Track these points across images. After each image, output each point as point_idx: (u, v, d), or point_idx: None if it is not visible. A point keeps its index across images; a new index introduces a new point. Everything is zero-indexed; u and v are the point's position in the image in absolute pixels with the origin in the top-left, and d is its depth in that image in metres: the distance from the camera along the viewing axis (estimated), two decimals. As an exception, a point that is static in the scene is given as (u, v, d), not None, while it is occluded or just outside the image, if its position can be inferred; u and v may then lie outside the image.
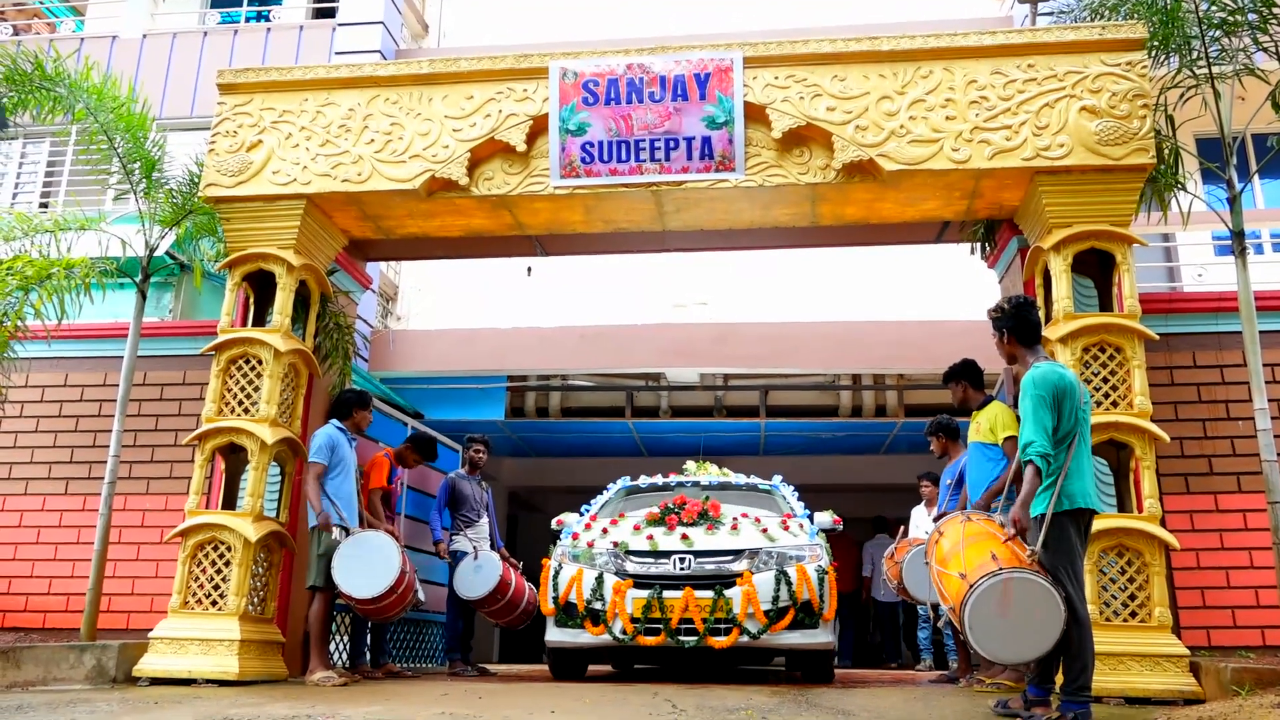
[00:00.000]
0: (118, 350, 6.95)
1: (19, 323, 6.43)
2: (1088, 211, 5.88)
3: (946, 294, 12.07)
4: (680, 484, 7.67)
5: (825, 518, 6.89)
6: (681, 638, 5.84)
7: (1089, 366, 5.69)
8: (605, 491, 7.73)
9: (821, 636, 5.99)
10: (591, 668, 7.45)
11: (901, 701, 5.12)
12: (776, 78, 6.21)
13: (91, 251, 6.90)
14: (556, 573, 6.36)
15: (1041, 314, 5.99)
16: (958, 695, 5.58)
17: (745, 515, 6.58)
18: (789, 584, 5.92)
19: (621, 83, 6.27)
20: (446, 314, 14.16)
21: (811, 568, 6.06)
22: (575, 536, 6.60)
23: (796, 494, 7.34)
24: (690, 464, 8.11)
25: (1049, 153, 5.88)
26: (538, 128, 6.35)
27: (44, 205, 11.03)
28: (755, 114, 6.20)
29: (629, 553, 6.24)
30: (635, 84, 6.26)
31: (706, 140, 6.20)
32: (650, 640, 5.86)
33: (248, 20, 12.34)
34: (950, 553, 4.10)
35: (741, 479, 7.78)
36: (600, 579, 6.12)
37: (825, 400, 12.81)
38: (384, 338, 11.67)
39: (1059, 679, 4.06)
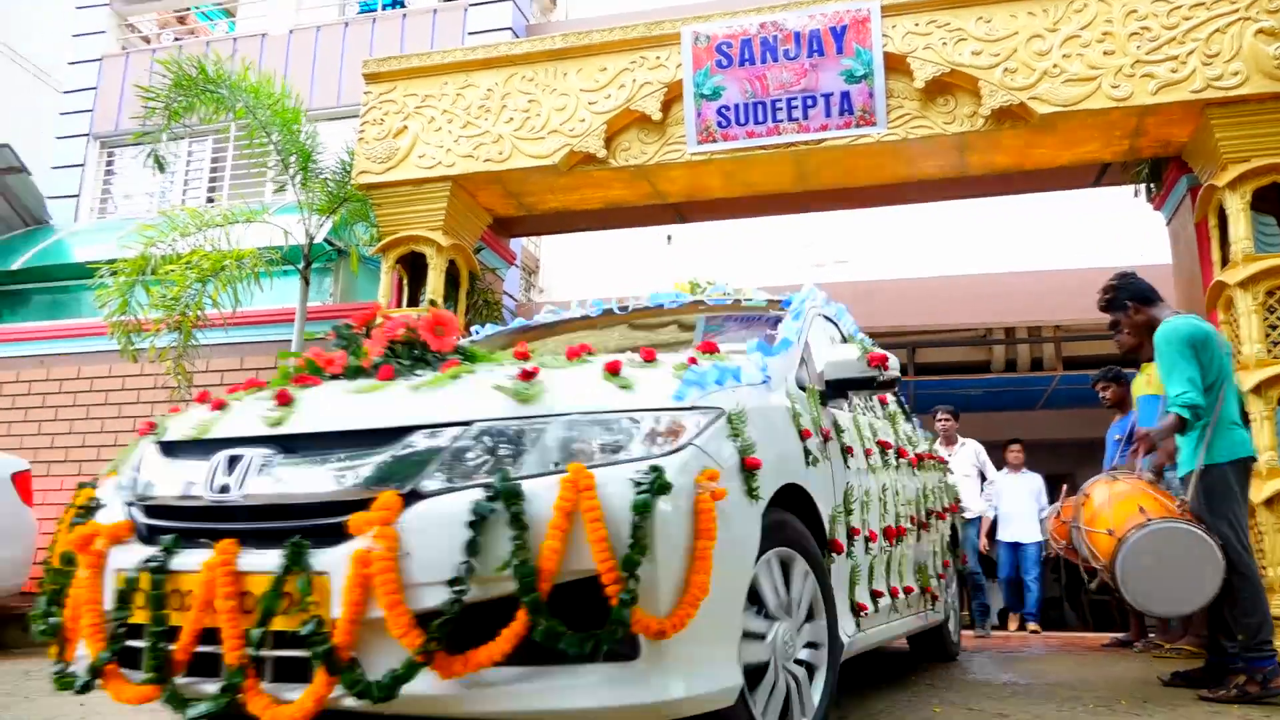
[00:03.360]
0: (286, 334, 7.37)
1: (199, 312, 6.90)
2: (1267, 144, 5.43)
3: (1104, 239, 11.43)
4: (625, 310, 4.27)
5: (851, 351, 3.37)
6: (189, 681, 2.17)
7: (1274, 312, 5.29)
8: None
9: (638, 692, 2.00)
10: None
11: (1069, 668, 4.95)
12: (917, 25, 5.97)
13: (257, 242, 7.32)
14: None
15: (1217, 257, 5.63)
16: (1132, 661, 5.35)
17: (528, 359, 2.51)
18: (523, 530, 1.97)
19: (755, 42, 6.15)
20: (587, 284, 14.36)
21: (620, 481, 2.03)
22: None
23: (847, 316, 4.14)
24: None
25: (1221, 82, 5.45)
26: (672, 95, 6.32)
27: (210, 200, 11.75)
28: (896, 64, 5.98)
29: (162, 446, 2.56)
30: (769, 43, 6.13)
31: (845, 95, 6.03)
32: (127, 688, 2.24)
33: (384, 8, 12.72)
34: (1098, 511, 3.99)
35: (726, 298, 4.16)
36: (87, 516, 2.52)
37: (977, 355, 12.38)
38: (529, 310, 11.92)
39: (1239, 638, 3.83)
